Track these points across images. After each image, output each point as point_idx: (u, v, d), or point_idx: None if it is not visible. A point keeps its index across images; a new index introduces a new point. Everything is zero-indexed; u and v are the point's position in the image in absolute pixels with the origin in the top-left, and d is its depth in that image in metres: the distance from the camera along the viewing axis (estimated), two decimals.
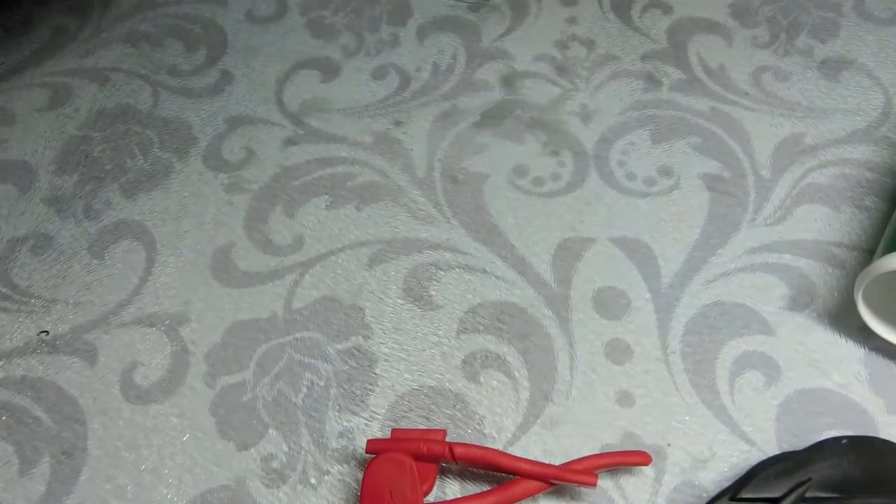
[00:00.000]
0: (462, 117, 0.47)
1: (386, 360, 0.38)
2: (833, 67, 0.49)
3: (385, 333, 0.39)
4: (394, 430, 0.34)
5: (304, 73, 0.50)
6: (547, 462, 0.34)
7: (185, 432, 0.36)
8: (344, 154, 0.46)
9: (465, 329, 0.39)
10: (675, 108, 0.47)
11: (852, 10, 0.52)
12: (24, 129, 0.48)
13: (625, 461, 0.33)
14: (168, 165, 0.46)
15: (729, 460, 0.34)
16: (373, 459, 0.32)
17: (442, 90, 0.49)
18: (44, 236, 0.43)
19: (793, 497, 0.30)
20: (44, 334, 0.39)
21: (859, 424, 0.35)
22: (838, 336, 0.38)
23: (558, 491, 0.33)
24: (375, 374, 0.37)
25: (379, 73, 0.50)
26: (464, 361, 0.38)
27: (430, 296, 0.40)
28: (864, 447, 0.32)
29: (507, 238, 0.42)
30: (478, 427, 0.36)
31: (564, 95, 0.48)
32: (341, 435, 0.36)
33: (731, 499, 0.31)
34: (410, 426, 0.36)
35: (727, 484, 0.33)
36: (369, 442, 0.33)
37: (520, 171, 0.45)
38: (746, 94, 0.47)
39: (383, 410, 0.36)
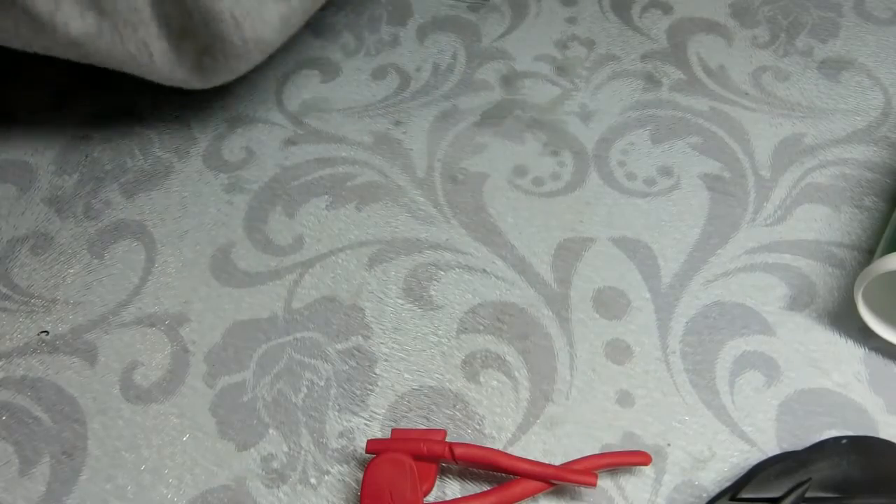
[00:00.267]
0: (462, 117, 0.47)
1: (386, 360, 0.38)
2: (833, 67, 0.49)
3: (385, 333, 0.39)
4: (394, 430, 0.34)
5: (303, 74, 0.50)
6: (547, 462, 0.34)
7: (185, 432, 0.36)
8: (344, 154, 0.46)
9: (465, 329, 0.39)
10: (675, 108, 0.47)
11: (852, 10, 0.52)
12: (25, 128, 0.48)
13: (625, 461, 0.33)
14: (168, 165, 0.46)
15: (729, 460, 0.34)
16: (373, 459, 0.32)
17: (442, 90, 0.49)
18: (44, 236, 0.43)
19: (793, 497, 0.30)
20: (44, 334, 0.39)
21: (859, 424, 0.35)
22: (838, 336, 0.38)
23: (558, 491, 0.33)
24: (375, 374, 0.37)
25: (379, 74, 0.50)
26: (464, 361, 0.38)
27: (430, 296, 0.40)
28: (864, 447, 0.32)
29: (506, 238, 0.42)
30: (478, 427, 0.36)
31: (564, 95, 0.48)
32: (341, 435, 0.36)
33: (731, 499, 0.31)
34: (410, 426, 0.36)
35: (727, 484, 0.33)
36: (369, 442, 0.33)
37: (520, 171, 0.45)
38: (746, 94, 0.47)
39: (383, 410, 0.36)
